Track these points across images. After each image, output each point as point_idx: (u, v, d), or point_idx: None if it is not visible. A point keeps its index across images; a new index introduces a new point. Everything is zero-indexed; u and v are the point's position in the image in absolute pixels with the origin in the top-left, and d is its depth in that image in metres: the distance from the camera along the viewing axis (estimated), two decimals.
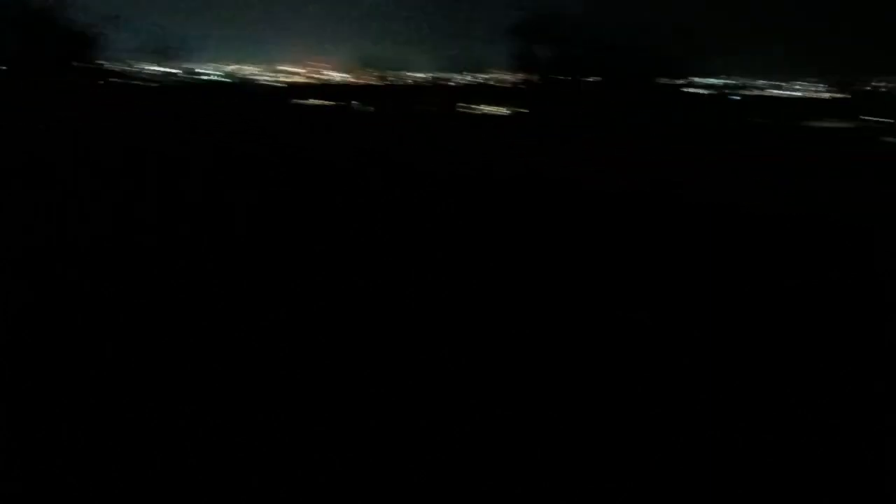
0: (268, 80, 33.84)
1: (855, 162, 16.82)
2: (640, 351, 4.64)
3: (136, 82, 25.71)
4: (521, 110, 18.39)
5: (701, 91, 24.74)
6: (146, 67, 25.98)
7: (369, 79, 28.26)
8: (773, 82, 30.19)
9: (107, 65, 22.07)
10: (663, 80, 19.77)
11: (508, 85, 19.08)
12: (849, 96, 28.39)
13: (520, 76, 16.64)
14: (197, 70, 31.45)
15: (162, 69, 26.79)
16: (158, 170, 12.07)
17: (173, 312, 5.10)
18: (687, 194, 11.24)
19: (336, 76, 31.05)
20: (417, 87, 28.28)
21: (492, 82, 21.60)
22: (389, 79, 28.01)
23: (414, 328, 5.02)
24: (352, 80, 29.07)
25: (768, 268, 6.94)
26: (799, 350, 4.76)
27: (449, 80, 25.97)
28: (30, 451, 3.26)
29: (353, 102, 26.29)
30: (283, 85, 33.01)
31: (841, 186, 12.25)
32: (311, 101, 29.59)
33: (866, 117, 26.51)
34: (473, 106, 25.42)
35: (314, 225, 8.60)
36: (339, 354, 4.44)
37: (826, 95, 29.59)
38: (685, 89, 21.15)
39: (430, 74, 27.04)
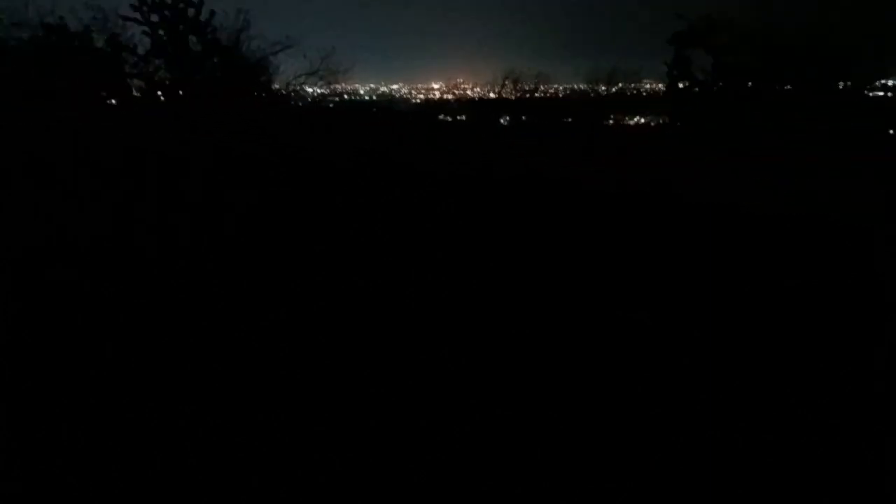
0: (416, 97, 35.72)
1: None
2: (639, 350, 4.57)
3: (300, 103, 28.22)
4: (676, 120, 17.76)
5: (883, 93, 22.39)
6: (313, 89, 28.42)
7: (516, 92, 28.73)
8: None
9: (279, 88, 24.50)
10: (838, 85, 18.20)
11: (662, 94, 18.46)
12: None
13: (678, 85, 15.97)
14: (356, 90, 33.91)
15: (324, 91, 29.15)
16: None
17: (174, 313, 5.12)
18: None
19: (480, 91, 31.91)
20: (566, 98, 28.39)
21: (644, 92, 21.09)
22: (537, 92, 28.29)
23: (413, 328, 4.99)
24: (499, 94, 29.70)
25: (776, 268, 6.57)
26: (797, 349, 4.62)
27: (598, 91, 25.77)
28: (30, 450, 3.23)
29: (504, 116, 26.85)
30: (428, 100, 34.65)
31: None
32: (453, 117, 30.66)
33: None
34: (621, 116, 24.99)
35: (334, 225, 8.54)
36: (338, 355, 4.42)
37: None
38: (866, 92, 19.30)
39: (580, 85, 26.98)
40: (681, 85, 16.47)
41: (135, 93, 21.74)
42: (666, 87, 17.38)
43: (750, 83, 16.01)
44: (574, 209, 9.76)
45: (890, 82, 23.62)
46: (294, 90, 26.46)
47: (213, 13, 21.87)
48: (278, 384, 4.01)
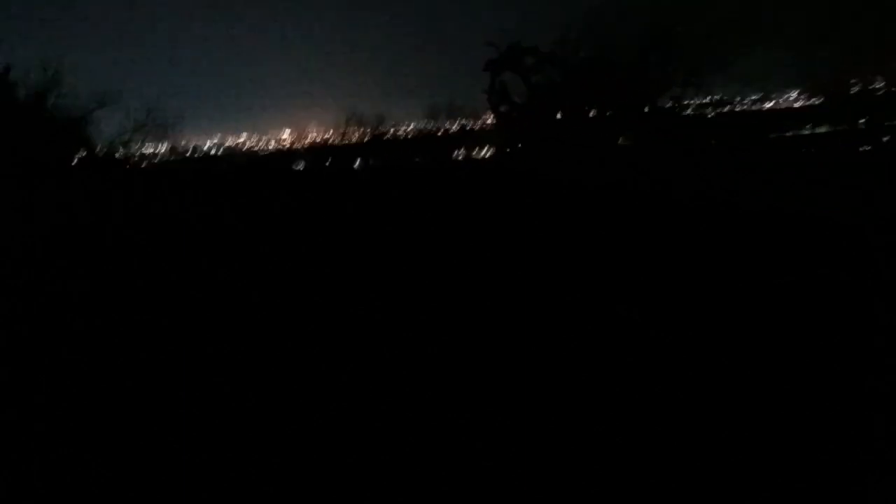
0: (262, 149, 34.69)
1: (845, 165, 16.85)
2: (634, 348, 4.59)
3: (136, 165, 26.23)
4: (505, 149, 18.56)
5: (688, 112, 25.09)
6: (144, 148, 26.53)
7: (359, 135, 28.74)
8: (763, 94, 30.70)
9: (103, 149, 22.38)
10: (647, 102, 19.97)
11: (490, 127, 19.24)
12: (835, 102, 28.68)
13: (499, 112, 16.81)
14: (194, 146, 32.23)
15: (158, 149, 27.37)
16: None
17: (175, 313, 5.24)
18: (678, 193, 11.29)
19: (325, 135, 31.64)
20: (410, 139, 28.85)
21: (476, 126, 21.87)
22: (378, 133, 28.48)
23: (410, 328, 5.00)
24: (342, 139, 29.55)
25: (759, 266, 6.87)
26: (791, 347, 4.67)
27: (438, 129, 26.44)
28: (30, 450, 3.25)
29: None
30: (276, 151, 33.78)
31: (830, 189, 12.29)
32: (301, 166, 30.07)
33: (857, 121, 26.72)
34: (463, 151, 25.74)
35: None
36: (338, 356, 4.41)
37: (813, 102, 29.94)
38: (669, 109, 21.31)
39: (421, 124, 27.55)
40: (502, 109, 17.33)
41: None
42: (491, 114, 18.23)
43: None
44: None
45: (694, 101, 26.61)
46: (125, 152, 24.53)
47: (7, 68, 19.49)
48: (281, 385, 4.00)
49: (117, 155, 23.94)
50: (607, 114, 17.81)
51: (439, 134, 27.48)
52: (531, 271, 6.68)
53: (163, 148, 27.93)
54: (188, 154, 30.89)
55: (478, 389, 4.01)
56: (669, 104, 18.49)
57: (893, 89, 28.65)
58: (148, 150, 27.08)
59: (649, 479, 3.11)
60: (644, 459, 3.28)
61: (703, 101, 26.08)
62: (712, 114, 27.64)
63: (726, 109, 26.96)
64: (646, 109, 17.81)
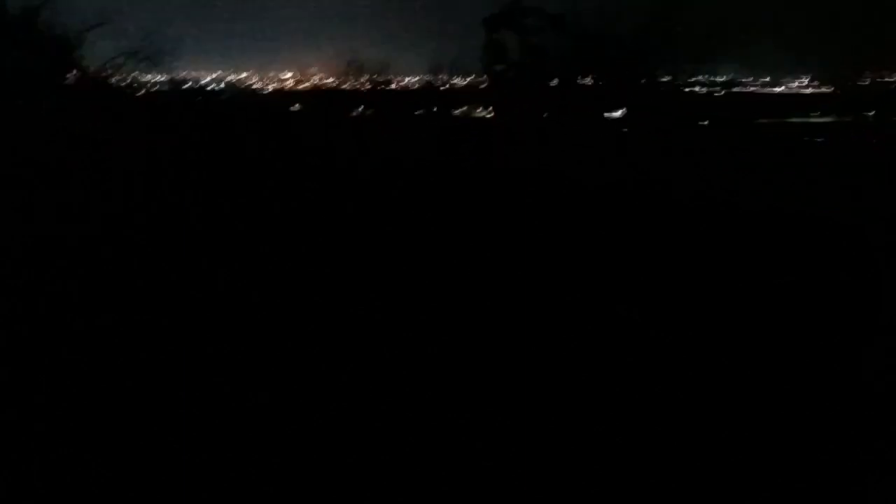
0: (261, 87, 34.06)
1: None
2: (634, 348, 4.58)
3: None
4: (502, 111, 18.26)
5: (695, 88, 24.71)
6: (139, 76, 25.96)
7: (363, 83, 28.23)
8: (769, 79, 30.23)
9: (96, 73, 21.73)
10: (655, 76, 19.65)
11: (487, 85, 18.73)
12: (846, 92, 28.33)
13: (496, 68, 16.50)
14: (190, 78, 31.59)
15: (154, 78, 26.80)
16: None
17: (176, 314, 5.07)
18: (678, 192, 11.21)
19: (326, 79, 31.06)
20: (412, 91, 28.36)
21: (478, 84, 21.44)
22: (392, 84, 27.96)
23: (409, 328, 4.93)
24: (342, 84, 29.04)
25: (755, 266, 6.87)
26: (791, 347, 4.67)
27: (440, 84, 25.99)
28: (30, 450, 3.24)
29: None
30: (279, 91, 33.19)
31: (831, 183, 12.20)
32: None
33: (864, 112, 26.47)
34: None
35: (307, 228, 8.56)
36: (338, 356, 4.37)
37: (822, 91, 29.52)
38: (678, 85, 20.99)
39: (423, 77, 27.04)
40: (497, 68, 17.03)
41: None
42: (486, 72, 17.88)
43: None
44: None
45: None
46: (119, 78, 23.95)
47: None
48: (284, 384, 3.99)
49: (112, 81, 23.33)
50: (600, 84, 17.51)
51: (441, 88, 27.02)
52: (531, 271, 6.61)
53: (159, 77, 27.40)
54: (186, 86, 30.30)
55: (478, 389, 3.99)
56: (668, 79, 18.19)
57: None
58: (143, 78, 26.56)
59: (649, 479, 3.09)
60: (644, 459, 3.26)
61: (708, 79, 25.73)
62: (721, 93, 27.32)
63: (728, 91, 26.60)
64: (642, 82, 17.52)
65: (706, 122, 24.92)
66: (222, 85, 33.62)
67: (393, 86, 30.25)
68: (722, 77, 27.61)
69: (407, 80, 28.80)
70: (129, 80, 24.24)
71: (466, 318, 5.25)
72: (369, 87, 28.14)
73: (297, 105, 30.54)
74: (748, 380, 4.16)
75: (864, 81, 27.73)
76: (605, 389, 4.04)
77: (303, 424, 3.57)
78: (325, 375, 4.18)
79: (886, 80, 28.17)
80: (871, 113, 26.16)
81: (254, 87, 34.44)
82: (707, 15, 17.43)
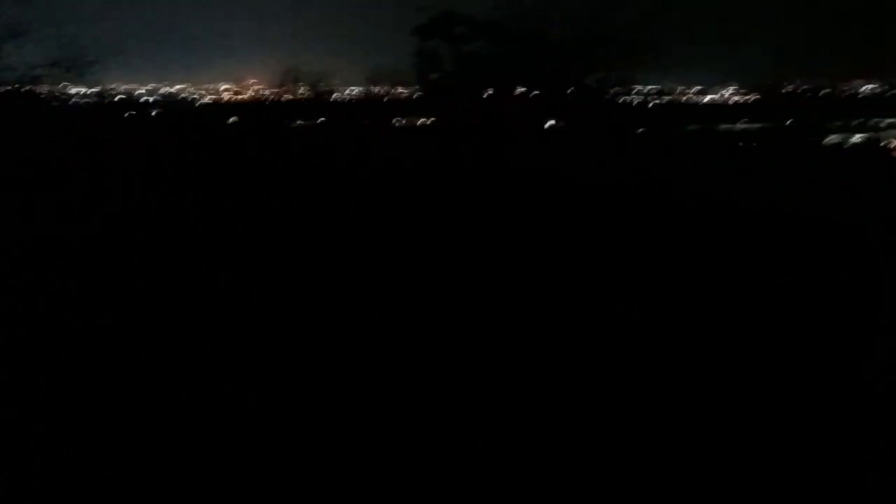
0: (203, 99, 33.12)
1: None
2: (634, 348, 4.61)
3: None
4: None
5: (628, 97, 25.52)
6: (64, 88, 24.81)
7: (302, 94, 27.81)
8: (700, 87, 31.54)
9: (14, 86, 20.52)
10: (589, 86, 20.12)
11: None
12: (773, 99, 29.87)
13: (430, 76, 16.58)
14: (121, 89, 30.43)
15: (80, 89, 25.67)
16: None
17: (176, 314, 5.06)
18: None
19: (264, 90, 30.47)
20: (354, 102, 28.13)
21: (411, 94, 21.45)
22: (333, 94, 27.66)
23: (407, 328, 4.94)
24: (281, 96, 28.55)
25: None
26: (791, 347, 4.74)
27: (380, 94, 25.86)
28: (30, 450, 3.22)
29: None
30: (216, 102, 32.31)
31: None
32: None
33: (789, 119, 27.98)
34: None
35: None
36: (337, 357, 4.36)
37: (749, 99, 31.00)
38: (615, 94, 21.56)
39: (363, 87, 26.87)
40: (431, 77, 17.10)
41: None
42: (419, 81, 17.93)
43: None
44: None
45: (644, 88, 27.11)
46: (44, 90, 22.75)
47: None
48: (286, 384, 3.92)
49: (36, 92, 22.13)
50: (534, 93, 17.85)
51: (385, 100, 26.90)
52: (532, 271, 6.62)
53: (84, 89, 26.25)
54: (114, 98, 29.14)
55: (478, 389, 3.98)
56: (599, 88, 18.71)
57: (823, 92, 30.15)
58: (70, 90, 25.38)
59: (650, 479, 3.08)
60: (644, 458, 3.25)
61: (642, 88, 26.66)
62: (655, 102, 28.34)
63: (663, 100, 27.62)
64: (571, 91, 17.95)
65: (641, 130, 25.83)
66: (156, 97, 32.52)
67: (336, 96, 30.01)
68: (656, 86, 28.60)
69: (348, 90, 28.58)
70: (53, 92, 23.03)
71: (468, 318, 5.28)
72: (311, 97, 27.75)
73: (235, 117, 29.84)
74: (748, 380, 4.20)
75: (787, 89, 29.23)
76: (606, 389, 4.04)
77: (303, 424, 3.54)
78: (325, 376, 4.17)
79: (805, 87, 29.78)
80: (790, 120, 27.73)
81: (190, 98, 33.45)
82: (640, 26, 18.01)
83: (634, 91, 25.15)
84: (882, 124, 27.66)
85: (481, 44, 16.75)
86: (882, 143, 25.83)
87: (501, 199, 10.25)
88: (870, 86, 30.12)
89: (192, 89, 34.16)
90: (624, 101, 22.53)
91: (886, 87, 29.93)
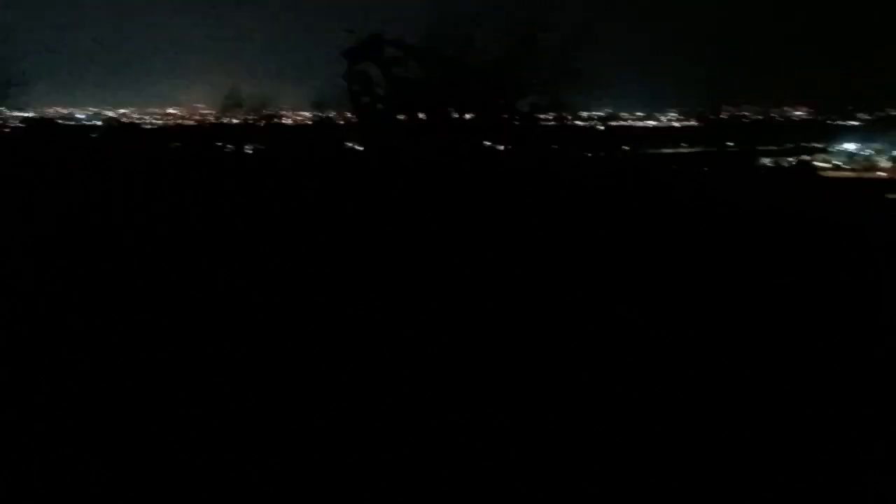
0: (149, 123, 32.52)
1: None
2: (634, 348, 4.53)
3: None
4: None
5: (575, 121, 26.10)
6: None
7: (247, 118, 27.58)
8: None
9: None
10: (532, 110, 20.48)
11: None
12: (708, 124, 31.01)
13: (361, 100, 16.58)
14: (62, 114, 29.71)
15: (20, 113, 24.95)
16: None
17: (176, 313, 5.03)
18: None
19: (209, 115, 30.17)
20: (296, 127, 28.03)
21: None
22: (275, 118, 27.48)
23: (406, 327, 4.87)
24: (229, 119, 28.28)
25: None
26: (791, 347, 4.70)
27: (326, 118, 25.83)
28: (30, 450, 3.19)
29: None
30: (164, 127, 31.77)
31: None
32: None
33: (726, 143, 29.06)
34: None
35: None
36: (337, 356, 4.28)
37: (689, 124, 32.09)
38: (559, 118, 21.92)
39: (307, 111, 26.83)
40: (364, 100, 17.12)
41: None
42: (350, 104, 17.94)
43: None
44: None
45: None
46: None
47: None
48: (287, 384, 3.90)
49: None
50: (468, 116, 18.04)
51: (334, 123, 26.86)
52: (531, 271, 6.52)
53: (25, 113, 25.54)
54: (52, 122, 28.42)
55: (478, 389, 3.91)
56: (534, 112, 19.04)
57: (761, 118, 31.49)
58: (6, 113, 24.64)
59: (649, 479, 3.02)
60: (644, 459, 3.19)
61: (589, 114, 27.38)
62: (599, 126, 29.08)
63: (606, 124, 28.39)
64: (506, 115, 18.23)
65: (589, 154, 26.35)
66: (98, 122, 31.83)
67: (288, 120, 29.86)
68: (600, 112, 29.38)
69: (293, 114, 28.50)
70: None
71: (467, 318, 5.22)
72: (257, 122, 27.56)
73: (179, 142, 29.40)
74: (748, 379, 4.16)
75: (724, 116, 30.34)
76: (606, 389, 3.98)
77: (303, 424, 3.50)
78: (324, 376, 4.13)
79: (743, 114, 31.00)
80: (731, 144, 28.79)
81: (133, 122, 32.83)
82: (574, 52, 18.52)
83: (575, 116, 25.74)
84: (811, 147, 28.92)
85: (412, 68, 16.88)
86: (811, 165, 27.03)
87: (441, 221, 10.29)
88: (799, 112, 31.55)
89: (136, 114, 33.60)
90: (564, 125, 22.97)
91: (816, 113, 31.41)
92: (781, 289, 6.07)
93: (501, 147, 19.90)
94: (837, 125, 30.38)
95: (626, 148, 28.26)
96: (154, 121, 32.92)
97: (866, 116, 30.33)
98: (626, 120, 31.97)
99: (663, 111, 32.85)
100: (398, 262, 7.07)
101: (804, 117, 31.54)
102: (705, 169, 26.12)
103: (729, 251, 7.60)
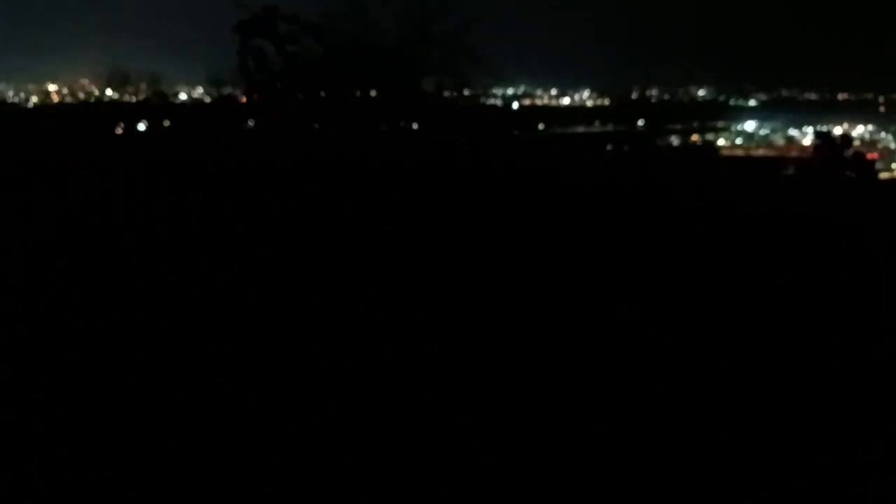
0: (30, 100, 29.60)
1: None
2: (634, 348, 4.53)
3: None
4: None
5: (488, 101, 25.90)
6: None
7: (138, 95, 25.58)
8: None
9: None
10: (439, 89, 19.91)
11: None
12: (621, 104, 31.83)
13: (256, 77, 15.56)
14: None
15: None
16: None
17: (175, 313, 4.94)
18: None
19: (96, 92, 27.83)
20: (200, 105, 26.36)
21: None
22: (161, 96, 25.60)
23: (406, 327, 4.83)
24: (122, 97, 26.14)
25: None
26: (791, 347, 4.63)
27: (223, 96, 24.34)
28: (30, 450, 3.24)
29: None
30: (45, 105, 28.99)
31: None
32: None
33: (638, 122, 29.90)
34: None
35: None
36: (337, 356, 4.30)
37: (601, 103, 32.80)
38: (442, 96, 21.40)
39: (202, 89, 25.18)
40: (258, 77, 16.06)
41: None
42: (244, 80, 16.81)
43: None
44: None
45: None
46: None
47: None
48: (286, 384, 3.90)
49: None
50: (372, 95, 17.33)
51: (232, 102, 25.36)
52: (531, 271, 6.37)
53: None
54: None
55: (477, 389, 3.97)
56: (438, 90, 18.49)
57: (666, 98, 32.61)
58: None
59: (649, 479, 3.07)
60: (644, 459, 3.23)
61: (502, 93, 27.27)
62: (514, 105, 29.12)
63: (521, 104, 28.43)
64: (411, 94, 17.62)
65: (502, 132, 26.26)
66: None
67: (184, 97, 28.05)
68: (512, 90, 29.37)
69: (188, 91, 26.72)
70: None
71: (466, 318, 5.11)
72: (148, 99, 25.63)
73: (66, 119, 26.99)
74: (748, 379, 4.14)
75: (634, 95, 31.15)
76: (605, 389, 3.99)
77: (303, 424, 3.51)
78: (323, 376, 4.12)
79: (650, 94, 31.99)
80: (641, 121, 29.62)
81: (11, 100, 29.87)
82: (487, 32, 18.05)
83: (489, 95, 25.49)
84: (713, 126, 30.20)
85: (308, 45, 15.93)
86: (713, 144, 28.21)
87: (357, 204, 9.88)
88: (702, 91, 32.85)
89: (11, 91, 30.55)
90: (476, 104, 22.61)
91: (720, 94, 32.86)
92: (781, 289, 6.15)
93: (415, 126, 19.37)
94: (738, 105, 31.85)
95: (542, 126, 28.33)
96: (33, 98, 29.99)
97: (763, 97, 31.96)
98: (540, 98, 32.14)
99: (577, 89, 33.31)
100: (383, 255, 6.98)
101: (707, 98, 32.86)
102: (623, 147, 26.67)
103: (729, 251, 8.05)
